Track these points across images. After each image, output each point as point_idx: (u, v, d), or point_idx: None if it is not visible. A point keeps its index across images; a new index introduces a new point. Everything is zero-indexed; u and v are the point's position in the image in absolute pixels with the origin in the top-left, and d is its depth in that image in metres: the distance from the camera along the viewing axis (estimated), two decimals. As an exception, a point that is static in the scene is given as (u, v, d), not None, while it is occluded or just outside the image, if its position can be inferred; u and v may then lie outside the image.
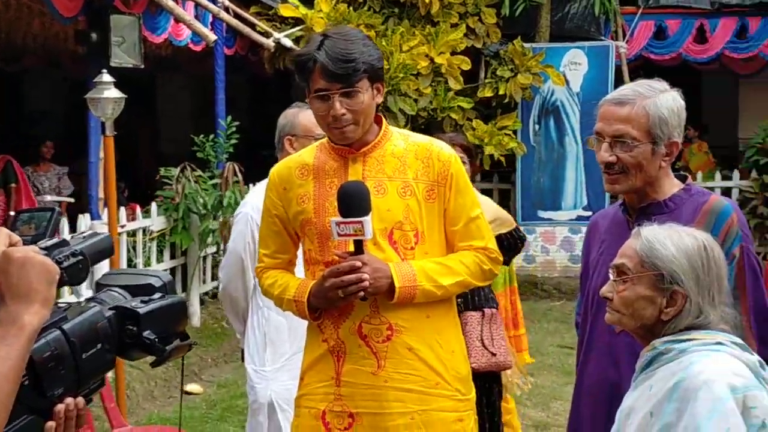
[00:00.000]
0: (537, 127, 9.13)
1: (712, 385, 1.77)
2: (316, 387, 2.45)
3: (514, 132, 8.81)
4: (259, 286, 2.65)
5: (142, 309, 1.59)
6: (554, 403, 5.57)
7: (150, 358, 1.66)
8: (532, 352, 6.47)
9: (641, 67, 9.72)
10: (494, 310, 3.72)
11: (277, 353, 3.23)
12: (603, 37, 9.19)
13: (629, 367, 2.06)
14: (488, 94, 8.63)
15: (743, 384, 1.79)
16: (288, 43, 7.95)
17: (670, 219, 2.10)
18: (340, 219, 2.31)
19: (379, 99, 2.44)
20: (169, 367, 6.07)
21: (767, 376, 1.88)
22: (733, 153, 11.65)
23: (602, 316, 2.10)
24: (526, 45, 8.64)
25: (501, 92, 8.59)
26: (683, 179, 2.34)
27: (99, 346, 1.52)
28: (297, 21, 8.17)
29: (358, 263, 2.30)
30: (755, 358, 1.89)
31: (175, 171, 7.06)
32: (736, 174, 9.66)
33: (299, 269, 2.61)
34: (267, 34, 7.90)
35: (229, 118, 7.53)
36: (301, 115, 3.25)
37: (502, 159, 8.62)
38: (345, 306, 2.39)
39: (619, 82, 8.74)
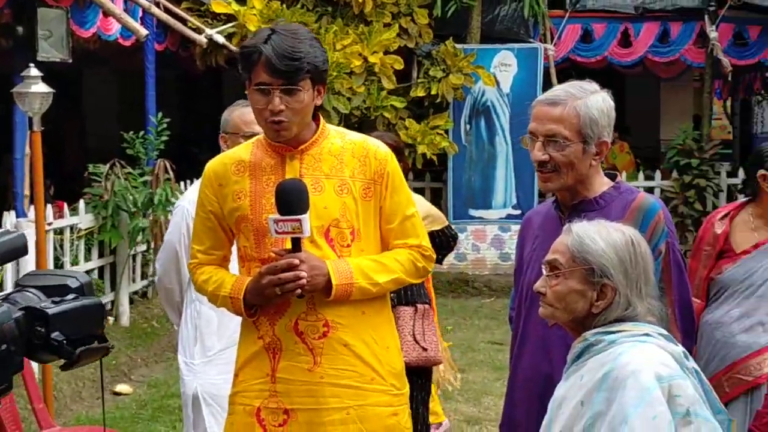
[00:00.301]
0: (468, 126, 9.26)
1: (640, 374, 1.84)
2: (251, 384, 2.46)
3: (446, 131, 8.91)
4: (193, 283, 2.64)
5: (52, 310, 1.55)
6: (485, 398, 5.66)
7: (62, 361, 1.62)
8: (463, 349, 6.62)
9: (569, 69, 9.94)
10: (427, 305, 3.78)
11: (206, 347, 3.22)
12: (532, 40, 9.35)
13: (562, 359, 2.12)
14: (421, 93, 8.71)
15: (669, 374, 1.87)
16: (220, 39, 7.87)
17: (601, 216, 2.18)
18: (278, 216, 2.32)
19: (319, 101, 2.45)
20: (98, 367, 5.95)
21: (690, 365, 1.97)
22: (655, 154, 12.01)
23: (536, 310, 2.16)
24: (458, 46, 8.74)
25: (433, 92, 8.68)
26: (613, 177, 2.43)
27: (4, 347, 1.48)
28: (229, 17, 8.10)
29: (296, 261, 2.31)
30: (680, 348, 1.98)
31: (104, 168, 6.93)
32: (658, 174, 9.96)
33: (233, 265, 2.61)
34: (199, 30, 7.81)
35: (160, 114, 7.42)
36: (235, 112, 3.24)
37: (434, 158, 8.72)
38: (281, 303, 2.40)
39: (547, 83, 8.91)
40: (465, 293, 8.95)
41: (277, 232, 2.33)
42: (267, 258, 2.41)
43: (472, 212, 9.35)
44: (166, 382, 6.03)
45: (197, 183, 3.37)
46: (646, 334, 1.95)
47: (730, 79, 10.58)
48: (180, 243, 3.25)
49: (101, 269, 7.12)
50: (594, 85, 2.35)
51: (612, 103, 2.34)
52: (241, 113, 3.17)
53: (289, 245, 2.37)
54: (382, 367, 2.46)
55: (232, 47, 7.88)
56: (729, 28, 9.61)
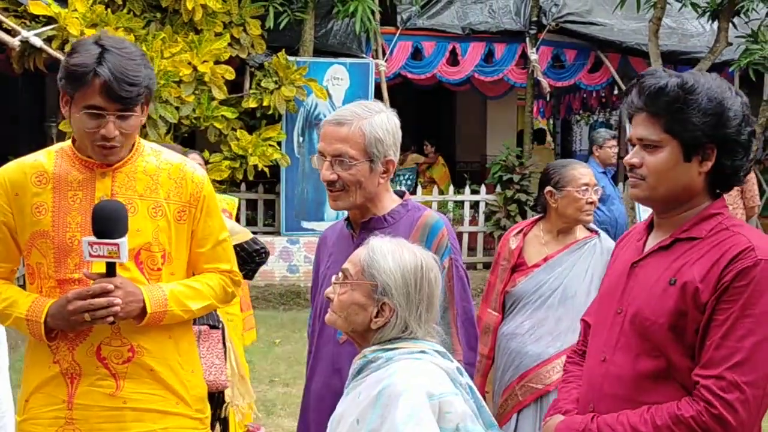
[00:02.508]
0: (301, 139, 9.29)
1: (411, 392, 1.86)
2: (44, 411, 2.34)
3: (279, 143, 8.89)
4: None
5: None
6: (308, 411, 5.66)
7: None
8: (290, 362, 6.60)
9: (401, 85, 10.17)
10: (206, 327, 3.65)
11: None
12: (364, 55, 9.51)
13: (350, 376, 2.15)
14: (253, 104, 8.65)
15: (440, 391, 1.89)
16: (38, 42, 7.49)
17: (390, 233, 2.22)
18: (93, 239, 2.22)
19: (144, 119, 2.38)
20: None
21: (464, 381, 2.00)
22: (482, 169, 12.50)
23: (328, 327, 2.18)
24: (291, 58, 8.76)
25: (265, 103, 8.64)
26: (401, 195, 2.48)
27: None
28: (49, 20, 7.73)
29: (110, 286, 2.22)
30: (454, 365, 2.01)
31: None
32: (483, 188, 10.37)
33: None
34: (14, 32, 7.40)
35: (-31, 119, 6.98)
36: None
37: (266, 170, 8.68)
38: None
39: (378, 98, 9.09)
40: (297, 305, 8.94)
41: (91, 255, 2.23)
42: (67, 279, 2.30)
43: (305, 224, 9.38)
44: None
45: None
46: (422, 351, 1.97)
47: (549, 99, 11.20)
48: None
49: None
50: (380, 105, 2.39)
51: (397, 123, 2.38)
52: None
53: (99, 269, 2.27)
54: (187, 392, 2.42)
55: (51, 51, 7.52)
56: (548, 51, 10.16)
